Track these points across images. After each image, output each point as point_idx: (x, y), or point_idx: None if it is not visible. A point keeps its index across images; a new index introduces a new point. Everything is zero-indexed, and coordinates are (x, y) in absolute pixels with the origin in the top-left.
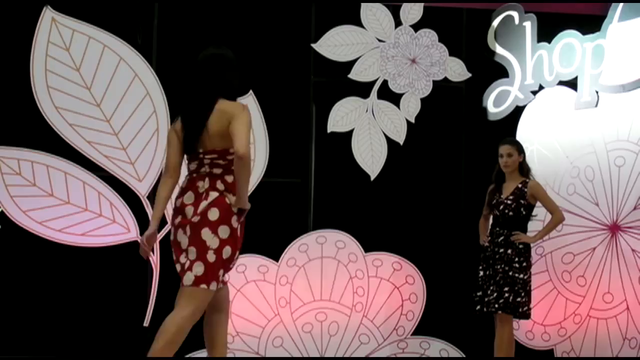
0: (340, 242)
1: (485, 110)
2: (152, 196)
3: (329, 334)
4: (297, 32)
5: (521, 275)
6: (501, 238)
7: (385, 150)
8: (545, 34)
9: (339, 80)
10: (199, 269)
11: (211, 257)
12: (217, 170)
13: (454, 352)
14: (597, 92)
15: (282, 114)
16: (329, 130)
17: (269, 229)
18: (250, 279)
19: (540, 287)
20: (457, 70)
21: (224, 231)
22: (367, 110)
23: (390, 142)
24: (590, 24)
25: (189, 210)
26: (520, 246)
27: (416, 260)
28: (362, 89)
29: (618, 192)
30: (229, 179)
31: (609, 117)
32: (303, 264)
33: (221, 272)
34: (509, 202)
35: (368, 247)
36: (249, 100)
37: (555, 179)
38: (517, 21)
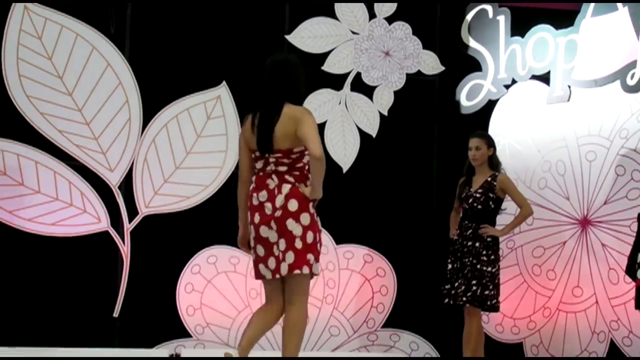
0: None
1: (458, 103)
2: (123, 186)
3: None
4: (271, 23)
5: (489, 269)
6: (470, 231)
7: (357, 143)
8: (519, 28)
9: (312, 72)
10: (290, 257)
11: (298, 244)
12: (282, 168)
13: (424, 344)
14: (569, 87)
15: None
16: None
17: None
18: (221, 270)
19: (510, 281)
20: (430, 64)
21: (305, 218)
22: (340, 103)
23: (363, 134)
24: (564, 19)
25: (268, 206)
26: (489, 239)
27: (387, 253)
28: (335, 81)
29: (589, 186)
30: (296, 173)
31: (581, 112)
32: None
33: (309, 256)
34: (477, 195)
35: (339, 239)
36: (222, 92)
37: (527, 173)
38: (490, 15)
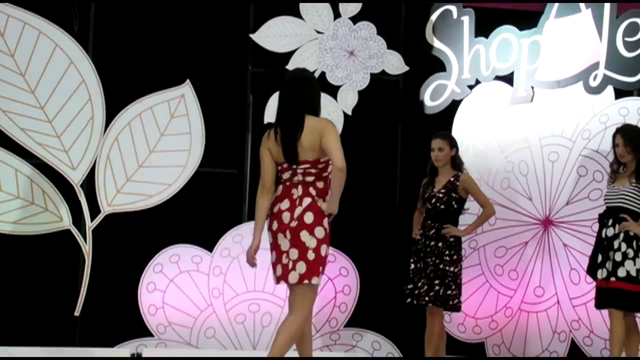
0: None
1: (422, 103)
2: (85, 184)
3: (262, 325)
4: (236, 22)
5: (452, 268)
6: (433, 231)
7: None
8: (483, 29)
9: (276, 71)
10: (302, 267)
11: (311, 255)
12: (310, 178)
13: (386, 344)
14: (532, 88)
15: (219, 104)
16: (265, 121)
17: (203, 219)
18: (184, 269)
19: (472, 281)
20: (394, 64)
21: (319, 232)
22: None
23: None
24: (527, 20)
25: (286, 215)
26: (451, 239)
27: (350, 253)
28: None
29: (551, 187)
30: (320, 185)
31: (544, 113)
32: (237, 254)
33: (321, 268)
34: (440, 195)
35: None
36: (186, 90)
37: (490, 173)
38: (455, 15)
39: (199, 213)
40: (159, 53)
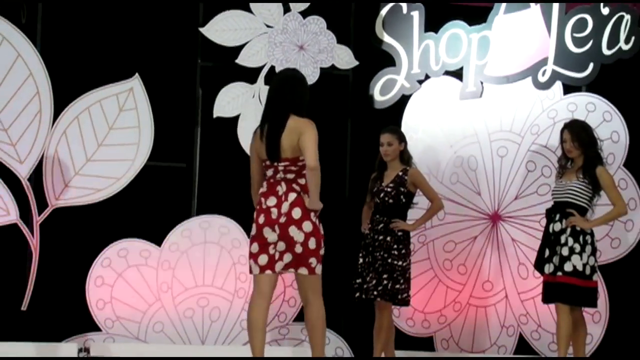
0: (224, 227)
1: (371, 98)
2: (33, 178)
3: (211, 320)
4: (185, 15)
5: (400, 263)
6: (381, 225)
7: None
8: (433, 24)
9: (226, 65)
10: (287, 258)
11: (299, 249)
12: (290, 176)
13: (335, 338)
14: (481, 83)
15: (168, 98)
16: (214, 115)
17: (152, 213)
18: (132, 264)
19: (421, 275)
20: (344, 58)
21: (307, 226)
22: (253, 96)
23: None
24: (477, 15)
25: (274, 211)
26: (400, 234)
27: None
28: (249, 75)
29: (500, 182)
30: (302, 181)
31: (493, 108)
32: (186, 249)
33: (312, 259)
34: (389, 189)
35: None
36: (135, 84)
37: (439, 167)
38: (405, 10)
39: (148, 207)
40: (108, 46)
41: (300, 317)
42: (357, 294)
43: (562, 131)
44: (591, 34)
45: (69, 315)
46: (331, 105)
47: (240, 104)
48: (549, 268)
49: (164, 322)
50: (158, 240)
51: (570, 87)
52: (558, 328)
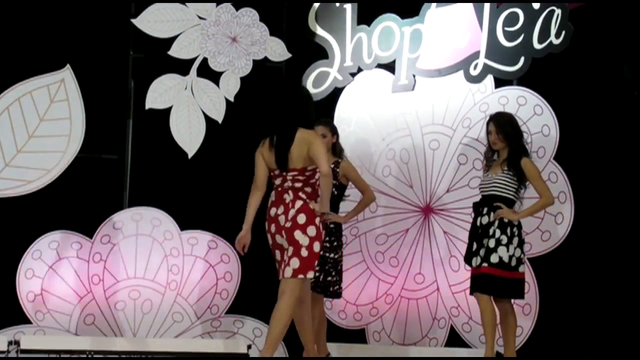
0: (156, 219)
1: None
2: None
3: (142, 312)
4: (117, 6)
5: (332, 255)
6: None
7: (203, 129)
8: (365, 17)
9: (158, 57)
10: (295, 263)
11: (304, 252)
12: (298, 184)
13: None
14: (414, 76)
15: (100, 89)
16: (147, 107)
17: (83, 205)
18: (63, 256)
19: (353, 268)
20: (277, 50)
21: (311, 230)
22: (186, 88)
23: (209, 120)
24: (409, 8)
25: (282, 218)
26: (332, 226)
27: (232, 239)
28: (181, 66)
29: (432, 175)
30: (308, 190)
31: (425, 101)
32: (118, 241)
33: (316, 262)
34: None
35: (184, 225)
36: (66, 75)
37: (372, 160)
38: (337, 3)
39: (79, 199)
40: (39, 37)
41: (232, 310)
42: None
43: (487, 123)
44: (522, 28)
45: None
46: (264, 97)
47: (173, 96)
48: (476, 261)
49: (95, 315)
50: (89, 232)
51: (501, 81)
52: (482, 317)
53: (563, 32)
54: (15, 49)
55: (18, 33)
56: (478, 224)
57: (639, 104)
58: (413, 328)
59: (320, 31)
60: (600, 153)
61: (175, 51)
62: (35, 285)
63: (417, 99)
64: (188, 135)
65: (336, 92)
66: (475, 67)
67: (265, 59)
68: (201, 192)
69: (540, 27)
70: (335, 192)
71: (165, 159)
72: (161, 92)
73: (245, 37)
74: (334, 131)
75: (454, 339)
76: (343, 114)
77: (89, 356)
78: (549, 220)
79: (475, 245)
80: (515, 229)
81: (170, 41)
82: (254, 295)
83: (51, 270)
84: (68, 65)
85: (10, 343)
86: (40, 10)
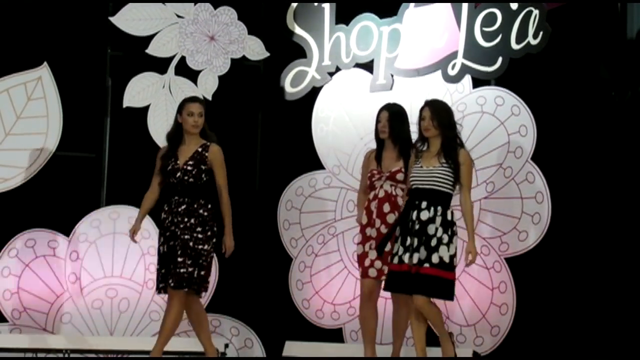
0: (133, 218)
1: (282, 89)
2: None
3: (120, 311)
4: (95, 4)
5: (206, 247)
6: (183, 207)
7: None
8: (344, 16)
9: (136, 55)
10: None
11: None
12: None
13: (245, 329)
14: (392, 76)
15: (77, 87)
16: (124, 105)
17: (60, 203)
18: (40, 254)
19: (331, 267)
20: (255, 49)
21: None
22: (164, 86)
23: None
24: (388, 8)
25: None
26: (205, 214)
27: None
28: (159, 65)
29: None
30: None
31: (403, 101)
32: (95, 239)
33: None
34: (189, 167)
35: (161, 224)
36: (44, 72)
37: (350, 159)
38: (316, 2)
39: (56, 197)
40: (16, 34)
41: (209, 309)
42: (162, 286)
43: (421, 109)
44: (500, 28)
45: None
46: (242, 96)
47: (151, 94)
48: (413, 259)
49: (72, 313)
50: (66, 231)
51: (479, 81)
52: (431, 318)
53: (541, 33)
54: None
55: None
56: (415, 218)
57: (616, 104)
58: (390, 328)
59: (298, 30)
60: (578, 153)
61: (153, 49)
62: (12, 283)
63: (395, 99)
64: (165, 133)
65: (314, 92)
66: (453, 67)
67: (244, 57)
68: None
69: (518, 27)
70: (205, 178)
71: (143, 157)
72: (139, 91)
73: (224, 35)
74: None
75: (431, 337)
76: (321, 113)
77: (66, 355)
78: (526, 220)
79: (410, 241)
80: (455, 228)
81: (148, 39)
82: (232, 294)
83: (28, 269)
84: (45, 63)
85: None
86: (18, 8)
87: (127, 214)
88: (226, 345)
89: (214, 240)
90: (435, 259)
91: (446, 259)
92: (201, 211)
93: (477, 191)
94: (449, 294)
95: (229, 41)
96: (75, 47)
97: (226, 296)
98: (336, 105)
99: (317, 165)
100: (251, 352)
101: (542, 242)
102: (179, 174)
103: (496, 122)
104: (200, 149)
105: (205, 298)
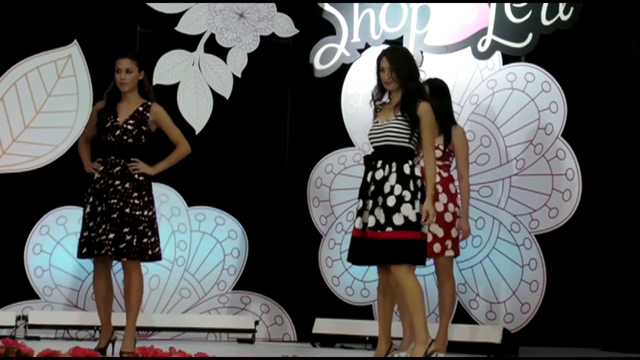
0: (163, 195)
1: (311, 67)
2: None
3: (150, 288)
4: None
5: (145, 212)
6: (117, 169)
7: (210, 105)
8: None
9: (165, 33)
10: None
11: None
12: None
13: (275, 306)
14: (421, 52)
15: (107, 65)
16: (154, 83)
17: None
18: (71, 231)
19: None
20: (284, 26)
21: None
22: (193, 64)
23: (216, 96)
24: None
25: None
26: (141, 179)
27: (239, 215)
28: (189, 42)
29: None
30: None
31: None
32: None
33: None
34: (129, 127)
35: (191, 201)
36: (74, 50)
37: None
38: None
39: (86, 174)
40: (46, 12)
41: (239, 286)
42: (85, 250)
43: (379, 59)
44: (530, 4)
45: (7, 283)
46: (272, 73)
47: (180, 72)
48: (370, 221)
49: None
50: None
51: (509, 57)
52: (407, 292)
53: (571, 9)
54: (23, 25)
55: (25, 8)
56: (369, 179)
57: None
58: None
59: (327, 7)
60: (608, 130)
61: (182, 27)
62: (43, 260)
63: (425, 76)
64: (195, 111)
65: (344, 68)
66: (483, 44)
67: (273, 35)
68: (208, 169)
69: (548, 3)
70: (144, 140)
71: None
72: (168, 68)
73: (253, 13)
74: (141, 66)
75: (461, 315)
76: (350, 90)
77: (97, 331)
78: (556, 197)
79: (364, 203)
80: (418, 181)
81: (177, 17)
82: (262, 272)
83: (59, 246)
84: (75, 41)
85: (18, 318)
86: None
87: (157, 191)
88: (256, 322)
89: (154, 205)
90: (398, 219)
91: (412, 218)
92: (136, 176)
93: (507, 168)
94: (418, 258)
95: (258, 18)
96: (105, 25)
97: (256, 273)
98: (366, 82)
99: (346, 142)
100: (281, 329)
101: (572, 219)
102: (118, 131)
103: (526, 99)
104: (141, 108)
105: (235, 275)
